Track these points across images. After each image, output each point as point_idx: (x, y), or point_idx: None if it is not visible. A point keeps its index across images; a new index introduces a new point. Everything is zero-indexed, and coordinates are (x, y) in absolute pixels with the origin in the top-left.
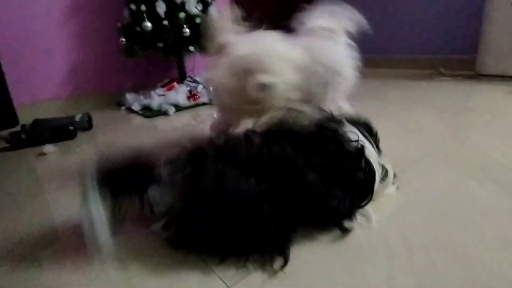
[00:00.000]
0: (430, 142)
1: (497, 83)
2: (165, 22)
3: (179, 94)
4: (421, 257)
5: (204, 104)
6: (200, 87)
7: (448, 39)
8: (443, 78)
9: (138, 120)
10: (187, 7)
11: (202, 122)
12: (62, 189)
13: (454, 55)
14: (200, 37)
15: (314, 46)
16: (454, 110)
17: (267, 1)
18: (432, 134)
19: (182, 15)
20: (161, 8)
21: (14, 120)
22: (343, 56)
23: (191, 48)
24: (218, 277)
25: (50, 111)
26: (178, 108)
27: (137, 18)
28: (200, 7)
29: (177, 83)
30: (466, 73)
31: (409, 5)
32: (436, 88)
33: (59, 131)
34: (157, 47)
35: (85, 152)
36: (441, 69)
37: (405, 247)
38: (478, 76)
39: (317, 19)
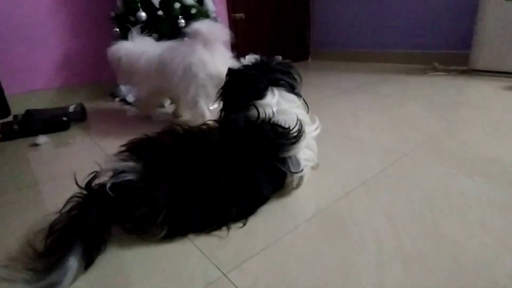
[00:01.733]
0: (421, 136)
1: (490, 78)
2: (160, 12)
3: None
4: (409, 245)
5: None
6: None
7: (443, 35)
8: (437, 73)
9: (132, 111)
10: None
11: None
12: (54, 180)
13: (448, 50)
14: None
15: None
16: (446, 104)
17: None
18: (423, 128)
19: (177, 5)
20: None
21: (6, 111)
22: (219, 63)
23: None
24: (214, 264)
25: (42, 101)
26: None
27: (131, 7)
28: None
29: None
30: (459, 68)
31: (400, 7)
32: (429, 83)
33: (52, 122)
34: (152, 38)
35: (78, 143)
36: (435, 64)
37: (394, 236)
38: (472, 71)
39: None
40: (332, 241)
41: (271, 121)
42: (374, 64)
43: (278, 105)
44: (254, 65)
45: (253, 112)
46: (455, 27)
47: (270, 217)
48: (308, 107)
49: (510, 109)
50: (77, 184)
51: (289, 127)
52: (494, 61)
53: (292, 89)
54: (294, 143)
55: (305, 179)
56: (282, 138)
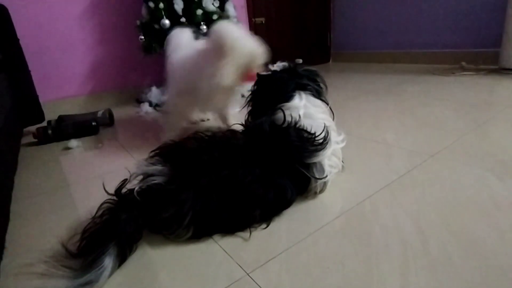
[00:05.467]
0: (448, 137)
1: None
2: (183, 19)
3: None
4: (435, 249)
5: None
6: None
7: (470, 33)
8: (465, 72)
9: (157, 116)
10: (204, 4)
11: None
12: (86, 181)
13: (476, 49)
14: None
15: None
16: (475, 104)
17: None
18: (450, 128)
19: (199, 12)
20: (178, 5)
21: (41, 116)
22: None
23: None
24: (238, 264)
25: (73, 107)
26: None
27: (155, 15)
28: (217, 4)
29: None
30: (489, 68)
31: (423, 5)
32: (456, 83)
33: (83, 126)
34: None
35: (107, 146)
36: (463, 64)
37: (420, 240)
38: (502, 70)
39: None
40: (356, 244)
41: (297, 126)
42: (397, 65)
43: (305, 108)
44: (282, 71)
45: (279, 116)
46: (484, 25)
47: (293, 219)
48: (333, 114)
49: None
50: (106, 191)
51: (314, 133)
52: None
53: (318, 95)
54: (319, 150)
55: (329, 184)
56: (307, 144)
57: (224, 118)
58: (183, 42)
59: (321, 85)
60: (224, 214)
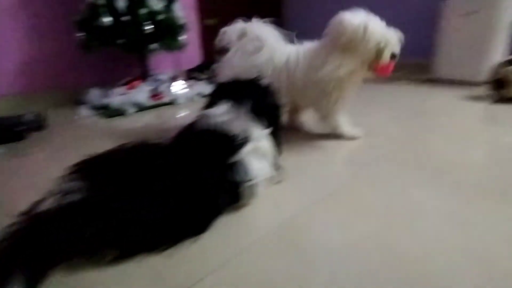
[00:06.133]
0: (384, 145)
1: (451, 87)
2: (125, 18)
3: (141, 93)
4: (362, 262)
5: (168, 104)
6: (164, 86)
7: (407, 44)
8: (401, 81)
9: (96, 120)
10: (149, 3)
11: (165, 123)
12: (6, 189)
13: (411, 60)
14: (163, 34)
15: None
16: (409, 113)
17: None
18: (386, 136)
19: (143, 10)
20: (121, 2)
21: None
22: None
23: (154, 45)
24: (168, 286)
25: None
26: (140, 108)
27: (95, 12)
28: (163, 3)
29: (139, 81)
30: (423, 77)
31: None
32: (393, 92)
33: (4, 132)
34: (117, 43)
35: (34, 155)
36: (399, 73)
37: (348, 254)
38: (433, 80)
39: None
40: (287, 258)
41: (218, 128)
42: None
43: (228, 114)
44: (239, 81)
45: (203, 120)
46: (418, 37)
47: (226, 232)
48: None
49: (470, 118)
50: (17, 212)
51: (234, 133)
52: (454, 71)
53: (256, 111)
54: (239, 148)
55: (260, 191)
56: (228, 144)
57: (333, 123)
58: (270, 39)
59: (268, 102)
60: (149, 230)
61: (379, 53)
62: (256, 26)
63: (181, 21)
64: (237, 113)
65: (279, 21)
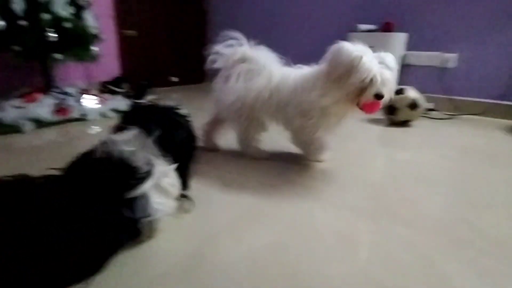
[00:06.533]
0: (290, 167)
1: None
2: (23, 22)
3: (43, 107)
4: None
5: (77, 119)
6: (72, 99)
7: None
8: None
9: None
10: (53, 8)
11: (72, 140)
12: None
13: None
14: (71, 43)
15: None
16: None
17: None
18: (293, 158)
19: (46, 16)
20: (18, 4)
21: None
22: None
23: (58, 55)
24: None
25: None
26: (41, 123)
27: None
28: (71, 9)
29: (40, 93)
30: None
31: (292, 35)
32: None
33: None
34: (13, 50)
35: None
36: None
37: (252, 283)
38: None
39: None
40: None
41: (119, 158)
42: None
43: (134, 142)
44: (146, 107)
45: (104, 147)
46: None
47: (123, 272)
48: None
49: (369, 139)
50: None
51: (136, 166)
52: None
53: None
54: (140, 182)
55: (163, 224)
56: (127, 176)
57: (313, 150)
58: (268, 62)
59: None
60: (27, 278)
61: (363, 89)
62: (255, 50)
63: (93, 30)
64: (144, 142)
65: (201, 42)
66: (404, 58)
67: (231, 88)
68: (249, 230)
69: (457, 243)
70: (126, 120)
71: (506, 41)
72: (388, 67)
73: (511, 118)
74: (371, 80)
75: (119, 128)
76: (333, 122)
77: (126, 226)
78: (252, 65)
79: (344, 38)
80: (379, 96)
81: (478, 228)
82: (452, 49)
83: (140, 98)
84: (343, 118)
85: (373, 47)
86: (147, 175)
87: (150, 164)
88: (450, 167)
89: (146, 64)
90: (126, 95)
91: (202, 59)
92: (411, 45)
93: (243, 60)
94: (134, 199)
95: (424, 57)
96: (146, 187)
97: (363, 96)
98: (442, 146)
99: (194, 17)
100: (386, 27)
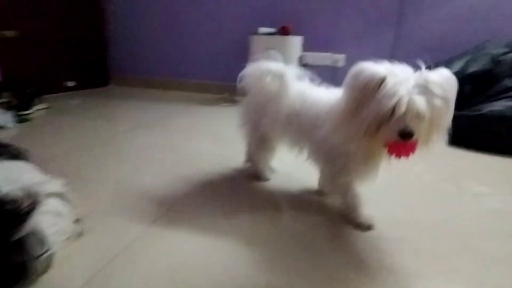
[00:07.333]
0: (203, 179)
1: None
2: None
3: None
4: None
5: None
6: None
7: (229, 69)
8: (227, 103)
9: None
10: None
11: None
12: None
13: (235, 83)
14: None
15: None
16: (230, 138)
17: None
18: (202, 168)
19: None
20: None
21: None
22: None
23: None
24: None
25: None
26: None
27: None
28: None
29: None
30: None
31: (197, 36)
32: (219, 115)
33: None
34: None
35: None
36: (227, 95)
37: None
38: None
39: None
40: None
41: None
42: (177, 93)
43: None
44: None
45: None
46: (238, 64)
47: None
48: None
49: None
50: None
51: (15, 204)
52: None
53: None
54: (23, 221)
55: (58, 254)
56: (6, 220)
57: (350, 204)
58: (291, 80)
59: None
60: None
61: (382, 122)
62: (280, 66)
63: None
64: (18, 173)
65: (100, 42)
66: (301, 58)
67: (251, 105)
68: (145, 255)
69: None
70: None
71: (381, 42)
72: (432, 93)
73: None
74: (393, 110)
75: None
76: (360, 167)
77: (13, 270)
78: (277, 81)
79: (246, 41)
80: (404, 134)
81: None
82: (341, 50)
83: (26, 108)
84: (372, 163)
85: (274, 48)
86: (30, 209)
87: (31, 195)
88: None
89: (32, 68)
90: (8, 106)
91: (103, 59)
92: (307, 47)
93: (267, 75)
94: (22, 238)
95: (318, 58)
96: (33, 222)
97: (381, 133)
98: None
99: (90, 14)
100: (284, 31)
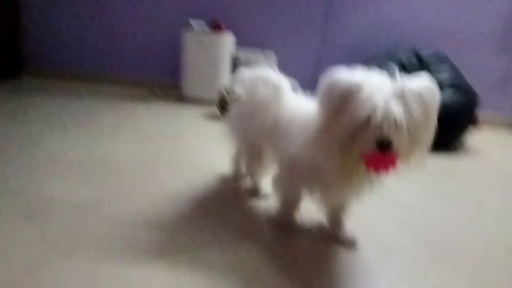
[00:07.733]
0: (125, 179)
1: (195, 105)
2: None
3: None
4: None
5: None
6: None
7: (161, 64)
8: (156, 98)
9: None
10: None
11: None
12: None
13: (165, 77)
14: None
15: None
16: (156, 137)
17: None
18: (128, 167)
19: None
20: None
21: None
22: None
23: None
24: None
25: None
26: None
27: None
28: None
29: None
30: (176, 94)
31: (126, 28)
32: (145, 112)
33: None
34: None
35: None
36: (156, 90)
37: None
38: (184, 98)
39: None
40: None
41: None
42: (100, 87)
43: None
44: None
45: None
46: (167, 57)
47: None
48: None
49: (203, 139)
50: None
51: None
52: (197, 90)
53: None
54: None
55: None
56: None
57: (336, 222)
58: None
59: None
60: None
61: (358, 133)
62: (272, 74)
63: None
64: None
65: (13, 22)
66: (234, 54)
67: (240, 113)
68: (52, 274)
69: None
70: None
71: (308, 43)
72: (410, 103)
73: None
74: (369, 118)
75: None
76: (336, 184)
77: None
78: (269, 89)
79: (179, 35)
80: (382, 143)
81: None
82: (270, 47)
83: None
84: (349, 179)
85: (205, 45)
86: None
87: None
88: None
89: None
90: None
91: (14, 47)
92: (239, 43)
93: (257, 83)
94: None
95: (250, 54)
96: None
97: (357, 144)
98: None
99: None
100: (216, 27)
